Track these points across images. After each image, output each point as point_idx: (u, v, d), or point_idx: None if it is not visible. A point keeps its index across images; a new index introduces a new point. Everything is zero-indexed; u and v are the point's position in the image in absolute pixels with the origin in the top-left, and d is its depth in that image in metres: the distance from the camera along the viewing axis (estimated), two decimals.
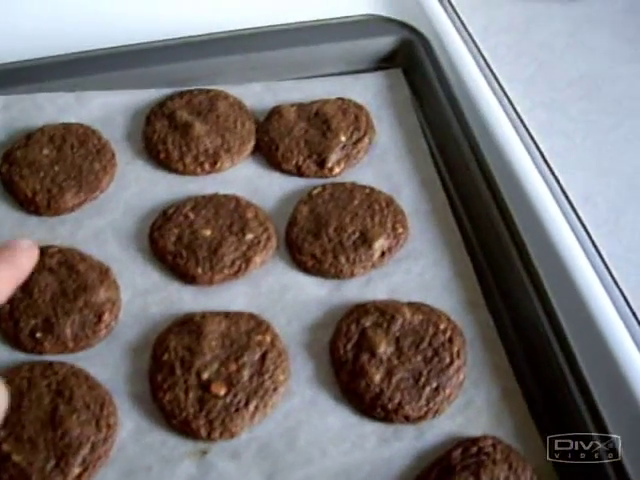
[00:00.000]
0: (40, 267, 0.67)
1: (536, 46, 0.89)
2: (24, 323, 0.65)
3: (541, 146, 0.76)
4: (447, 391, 0.61)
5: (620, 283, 0.66)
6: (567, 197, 0.72)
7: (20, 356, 0.64)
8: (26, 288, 0.66)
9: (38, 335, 0.64)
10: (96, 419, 0.60)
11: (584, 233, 0.69)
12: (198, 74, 0.83)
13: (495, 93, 0.80)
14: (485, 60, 0.84)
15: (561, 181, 0.73)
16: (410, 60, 0.85)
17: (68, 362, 0.63)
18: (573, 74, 0.86)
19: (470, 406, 0.62)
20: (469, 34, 0.87)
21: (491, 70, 0.83)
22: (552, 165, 0.75)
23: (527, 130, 0.77)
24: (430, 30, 0.86)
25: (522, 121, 0.78)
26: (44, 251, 0.69)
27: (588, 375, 0.61)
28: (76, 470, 0.58)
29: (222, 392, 0.61)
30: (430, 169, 0.77)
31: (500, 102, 0.79)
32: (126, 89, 0.82)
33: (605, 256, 0.68)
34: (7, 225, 0.72)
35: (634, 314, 0.64)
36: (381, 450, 0.60)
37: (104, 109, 0.80)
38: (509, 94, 0.81)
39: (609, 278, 0.66)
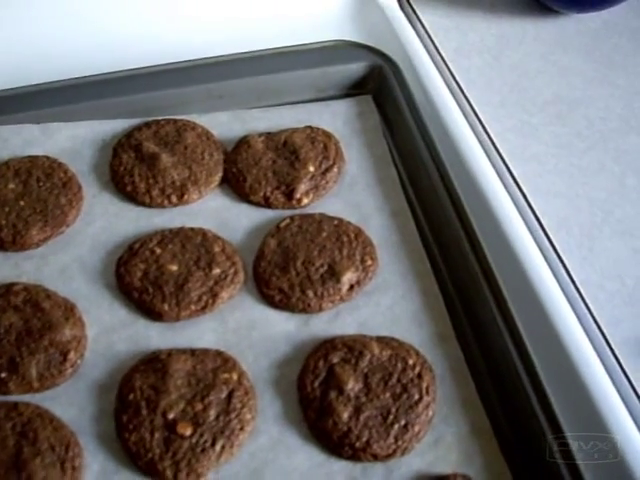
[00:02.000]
0: (5, 305, 0.67)
1: (508, 68, 0.88)
2: None
3: (513, 171, 0.76)
4: (416, 428, 0.61)
5: (594, 312, 0.66)
6: (540, 224, 0.72)
7: None
8: None
9: (3, 375, 0.63)
10: (61, 461, 0.59)
11: (557, 261, 0.69)
12: (165, 104, 0.82)
13: (467, 117, 0.80)
14: (457, 83, 0.84)
15: (534, 207, 0.73)
16: (380, 86, 0.84)
17: (33, 402, 0.63)
18: (545, 97, 0.85)
19: (440, 443, 0.61)
20: (441, 57, 0.87)
21: (463, 93, 0.83)
22: (525, 191, 0.74)
23: (499, 155, 0.77)
24: (401, 54, 0.85)
25: (494, 145, 0.78)
26: (9, 289, 0.68)
27: (558, 409, 0.60)
28: None
29: (188, 432, 0.60)
30: (400, 198, 0.76)
31: (472, 126, 0.79)
32: (92, 119, 0.81)
33: (579, 284, 0.68)
34: None
35: (608, 344, 0.64)
36: None
37: (70, 141, 0.79)
38: (481, 118, 0.80)
39: (583, 307, 0.66)
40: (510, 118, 0.83)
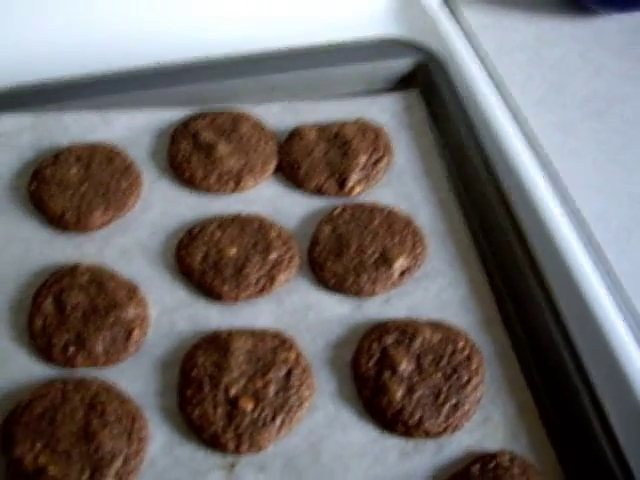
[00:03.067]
0: (71, 284, 0.70)
1: (547, 66, 0.90)
2: (57, 339, 0.67)
3: (554, 166, 0.78)
4: (466, 407, 0.64)
5: (632, 300, 0.68)
6: (580, 216, 0.74)
7: (53, 371, 0.66)
8: (59, 305, 0.68)
9: (70, 350, 0.66)
10: (128, 432, 0.62)
11: (597, 251, 0.72)
12: (220, 94, 0.85)
13: (509, 113, 0.82)
14: (499, 79, 0.86)
15: (574, 200, 0.76)
16: (426, 82, 0.87)
17: (99, 377, 0.66)
18: (584, 94, 0.88)
19: (487, 422, 0.64)
20: (482, 54, 0.89)
21: (505, 89, 0.85)
22: (565, 184, 0.77)
23: (541, 149, 0.80)
24: (445, 51, 0.88)
25: (536, 140, 0.81)
26: (74, 269, 0.71)
27: (599, 389, 0.63)
28: None
29: (250, 407, 0.63)
30: (446, 189, 0.79)
31: (514, 122, 0.81)
32: (150, 108, 0.84)
33: (617, 274, 0.70)
34: (37, 242, 0.74)
35: None
36: (402, 464, 0.62)
37: (129, 128, 0.83)
38: (523, 113, 0.83)
39: (621, 296, 0.68)
40: (550, 114, 0.85)
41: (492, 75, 0.87)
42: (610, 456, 0.61)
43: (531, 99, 0.86)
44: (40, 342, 0.67)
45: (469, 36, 0.92)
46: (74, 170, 0.78)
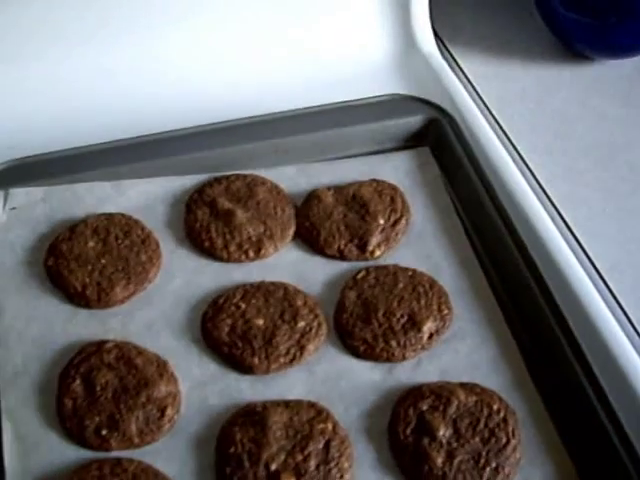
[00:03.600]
0: (99, 363, 0.69)
1: (549, 115, 0.92)
2: (89, 421, 0.66)
3: (565, 216, 0.79)
4: (506, 470, 0.64)
5: None
6: (595, 266, 0.75)
7: (86, 454, 0.66)
8: (87, 385, 0.68)
9: (104, 432, 0.66)
10: None
11: (614, 302, 0.73)
12: (232, 159, 0.85)
13: (517, 165, 0.83)
14: (504, 131, 0.88)
15: (588, 251, 0.77)
16: (437, 138, 0.88)
17: (135, 458, 0.65)
18: (587, 142, 0.89)
19: None
20: (485, 105, 0.91)
21: (510, 141, 0.87)
22: (577, 235, 0.78)
23: (551, 201, 0.81)
24: (451, 105, 0.89)
25: (545, 192, 0.82)
26: (100, 346, 0.70)
27: (637, 443, 0.63)
28: None
29: None
30: (466, 247, 0.79)
31: (523, 174, 0.82)
32: (161, 176, 0.84)
33: (636, 323, 0.71)
34: (59, 319, 0.73)
35: None
36: None
37: (142, 198, 0.82)
38: (529, 165, 0.84)
39: None
40: (556, 164, 0.86)
41: (497, 127, 0.88)
42: None
43: (537, 150, 0.87)
44: (71, 425, 0.66)
45: (469, 87, 0.93)
46: (92, 243, 0.77)
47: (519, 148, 0.86)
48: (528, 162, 0.85)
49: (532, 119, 0.91)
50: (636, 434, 0.64)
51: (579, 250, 0.77)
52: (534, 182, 0.83)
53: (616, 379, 0.67)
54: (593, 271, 0.75)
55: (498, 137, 0.86)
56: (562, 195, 0.82)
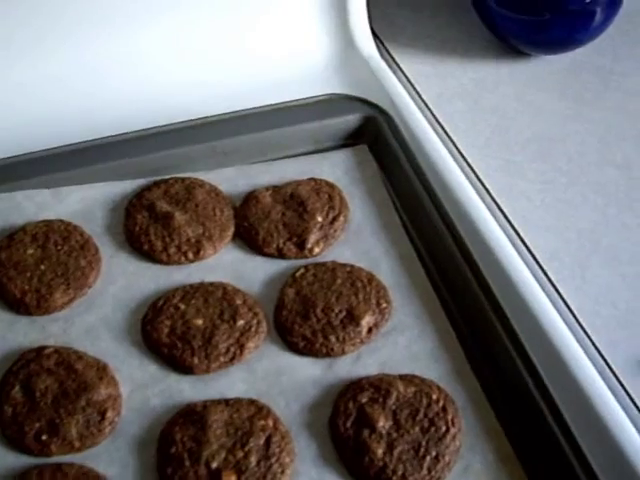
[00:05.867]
0: (38, 369, 0.69)
1: (488, 110, 0.93)
2: (28, 427, 0.66)
3: (504, 209, 0.80)
4: (446, 458, 0.64)
5: (592, 336, 0.70)
6: (534, 256, 0.76)
7: (28, 460, 0.65)
8: (27, 392, 0.67)
9: (44, 438, 0.65)
10: None
11: (554, 291, 0.73)
12: (170, 163, 0.85)
13: (456, 161, 0.84)
14: (443, 128, 0.88)
15: (527, 242, 0.77)
16: (375, 136, 0.89)
17: (76, 462, 0.65)
18: (525, 135, 0.90)
19: (469, 471, 0.64)
20: (425, 103, 0.91)
21: (449, 137, 0.87)
22: (516, 226, 0.79)
23: (489, 194, 0.82)
24: (388, 103, 0.90)
25: (483, 185, 0.82)
26: (40, 352, 0.70)
27: (574, 429, 0.64)
28: None
29: None
30: (405, 242, 0.80)
31: (462, 169, 0.83)
32: (100, 181, 0.84)
33: (575, 311, 0.72)
34: None
35: (609, 366, 0.68)
36: None
37: (82, 203, 0.82)
38: (468, 160, 0.85)
39: (582, 333, 0.70)
40: (495, 158, 0.87)
41: (435, 124, 0.89)
42: None
43: (475, 145, 0.88)
44: (11, 432, 0.66)
45: (409, 86, 0.94)
46: (30, 250, 0.77)
47: (458, 144, 0.87)
48: (467, 157, 0.85)
49: (471, 115, 0.92)
50: (573, 418, 0.65)
51: (518, 241, 0.78)
52: (473, 176, 0.84)
53: (555, 367, 0.67)
54: (532, 261, 0.76)
55: (436, 133, 0.87)
56: (501, 188, 0.83)
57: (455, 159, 0.84)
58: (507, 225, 0.79)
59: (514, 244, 0.77)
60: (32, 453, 0.65)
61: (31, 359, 0.70)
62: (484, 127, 0.91)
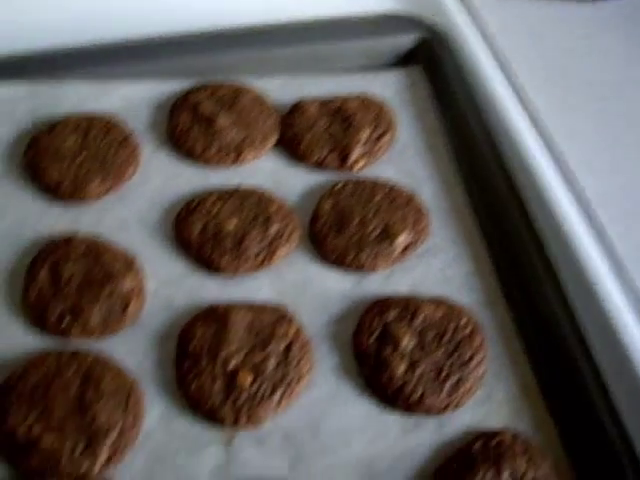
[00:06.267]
0: (67, 255, 0.68)
1: (552, 47, 0.90)
2: (52, 310, 0.66)
3: (558, 146, 0.78)
4: (468, 384, 0.63)
5: (635, 281, 0.68)
6: (583, 196, 0.74)
7: (47, 341, 0.65)
8: (54, 276, 0.67)
9: (66, 321, 0.65)
10: (123, 405, 0.61)
11: (600, 232, 0.71)
12: (220, 66, 0.84)
13: (513, 92, 0.81)
14: (503, 58, 0.85)
15: (577, 180, 0.75)
16: (430, 58, 0.86)
17: (94, 349, 0.64)
18: (588, 77, 0.87)
19: (490, 400, 0.63)
20: (487, 33, 0.88)
21: (509, 69, 0.84)
22: (569, 165, 0.76)
23: (545, 130, 0.79)
24: (449, 27, 0.87)
25: (539, 122, 0.80)
26: (70, 240, 0.70)
27: (604, 370, 0.62)
28: (104, 455, 0.59)
29: (248, 381, 0.62)
30: (449, 166, 0.78)
31: (518, 102, 0.80)
32: (148, 79, 0.83)
33: (620, 254, 0.70)
34: (32, 212, 0.73)
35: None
36: (403, 441, 0.61)
37: (127, 100, 0.81)
38: (525, 95, 0.82)
39: (623, 276, 0.68)
40: (553, 96, 0.84)
41: (496, 54, 0.86)
42: (612, 433, 0.60)
43: (535, 80, 0.85)
44: (35, 312, 0.66)
45: (473, 13, 0.91)
46: (71, 140, 0.76)
47: (515, 77, 0.84)
48: (523, 92, 0.83)
49: (534, 51, 0.90)
50: (603, 356, 0.63)
51: (567, 178, 0.75)
52: (527, 111, 0.81)
53: (592, 307, 0.65)
54: (579, 199, 0.73)
55: (494, 63, 0.84)
56: (555, 126, 0.80)
57: (510, 91, 0.81)
58: (558, 162, 0.76)
59: (563, 180, 0.74)
60: (53, 335, 0.65)
61: (61, 245, 0.69)
62: (546, 64, 0.88)
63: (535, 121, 0.79)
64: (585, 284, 0.67)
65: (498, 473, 0.58)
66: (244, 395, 0.62)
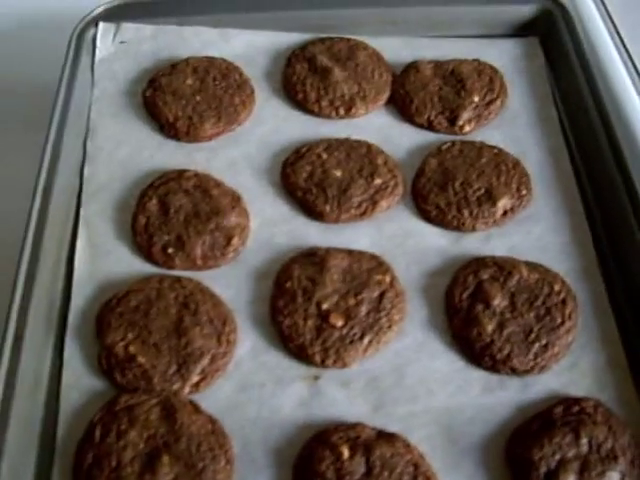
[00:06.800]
0: (177, 188, 0.71)
1: None
2: (157, 238, 0.69)
3: None
4: (555, 349, 0.63)
5: None
6: None
7: (151, 269, 0.68)
8: (163, 206, 0.70)
9: (170, 251, 0.68)
10: (218, 334, 0.64)
11: None
12: (339, 23, 0.85)
13: (627, 70, 0.80)
14: (621, 37, 0.84)
15: None
16: (548, 30, 0.86)
17: (196, 279, 0.67)
18: None
19: (576, 367, 0.63)
20: (607, 9, 0.87)
21: (625, 47, 0.83)
22: None
23: None
24: (569, 1, 0.86)
25: None
26: (181, 174, 0.72)
27: None
28: (195, 378, 0.62)
29: (340, 323, 0.64)
30: (558, 137, 0.78)
31: (632, 80, 0.80)
32: (268, 30, 0.85)
33: None
34: (148, 147, 0.76)
35: None
36: (485, 398, 0.62)
37: (246, 47, 0.84)
38: None
39: None
40: None
41: (613, 30, 0.85)
42: None
43: None
44: (141, 240, 0.69)
45: None
46: (190, 81, 0.79)
47: (632, 55, 0.83)
48: (639, 69, 0.82)
49: None
50: None
51: None
52: None
53: None
54: None
55: (612, 39, 0.83)
56: None
57: (627, 68, 0.81)
58: None
59: None
60: (157, 263, 0.68)
61: (172, 178, 0.72)
62: None
63: None
64: None
65: (576, 438, 0.58)
66: (334, 336, 0.63)
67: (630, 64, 0.82)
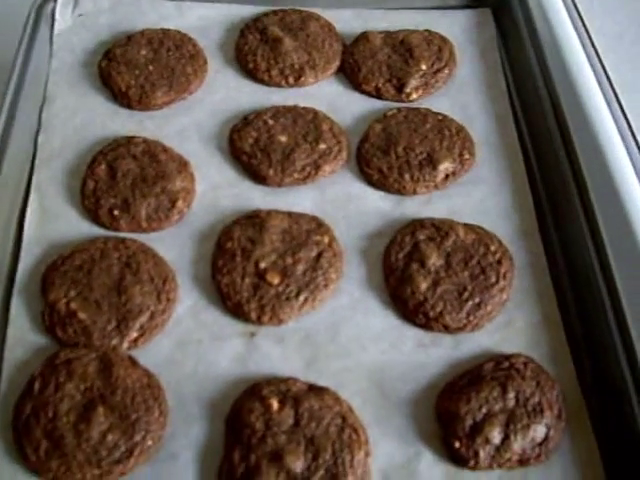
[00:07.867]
0: (125, 153, 0.73)
1: (631, 2, 0.89)
2: (104, 201, 0.70)
3: (621, 100, 0.77)
4: (488, 308, 0.64)
5: None
6: (638, 145, 0.73)
7: (99, 231, 0.69)
8: (111, 171, 0.71)
9: (115, 213, 0.69)
10: (157, 292, 0.65)
11: None
12: None
13: (582, 43, 0.81)
14: (577, 9, 0.85)
15: (636, 133, 0.74)
16: (500, 1, 0.87)
17: (140, 240, 0.68)
18: None
19: (509, 326, 0.64)
20: None
21: (582, 20, 0.84)
22: (628, 117, 0.75)
23: (610, 84, 0.78)
24: None
25: (606, 75, 0.79)
26: (130, 140, 0.74)
27: (629, 313, 0.62)
28: (134, 334, 0.63)
29: (276, 281, 0.65)
30: (505, 105, 0.79)
31: (585, 53, 0.80)
32: (223, 4, 0.87)
33: None
34: (101, 115, 0.77)
35: None
36: (417, 354, 0.63)
37: (201, 20, 0.85)
38: (594, 45, 0.81)
39: None
40: (626, 52, 0.83)
41: (569, 4, 0.85)
42: (628, 377, 0.60)
43: (608, 34, 0.84)
44: (89, 203, 0.70)
45: None
46: (144, 52, 0.81)
47: (588, 27, 0.83)
48: (594, 44, 0.82)
49: (610, 3, 0.88)
50: (631, 299, 0.63)
51: (626, 130, 0.74)
52: (595, 63, 0.80)
53: (629, 253, 0.65)
54: (635, 150, 0.73)
55: (567, 12, 0.83)
56: (623, 81, 0.79)
57: (581, 42, 0.81)
58: (620, 116, 0.76)
59: (620, 132, 0.73)
60: (104, 226, 0.70)
61: (122, 144, 0.74)
62: (622, 18, 0.87)
63: (600, 74, 0.79)
64: (625, 228, 0.66)
65: (504, 393, 0.59)
66: (270, 294, 0.64)
67: (585, 37, 0.82)
